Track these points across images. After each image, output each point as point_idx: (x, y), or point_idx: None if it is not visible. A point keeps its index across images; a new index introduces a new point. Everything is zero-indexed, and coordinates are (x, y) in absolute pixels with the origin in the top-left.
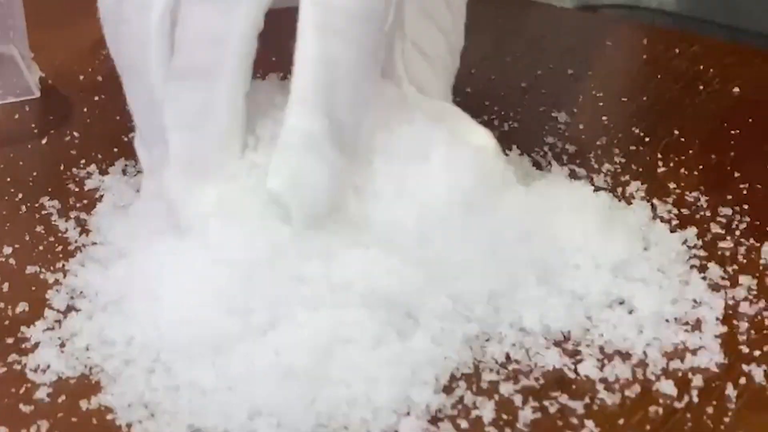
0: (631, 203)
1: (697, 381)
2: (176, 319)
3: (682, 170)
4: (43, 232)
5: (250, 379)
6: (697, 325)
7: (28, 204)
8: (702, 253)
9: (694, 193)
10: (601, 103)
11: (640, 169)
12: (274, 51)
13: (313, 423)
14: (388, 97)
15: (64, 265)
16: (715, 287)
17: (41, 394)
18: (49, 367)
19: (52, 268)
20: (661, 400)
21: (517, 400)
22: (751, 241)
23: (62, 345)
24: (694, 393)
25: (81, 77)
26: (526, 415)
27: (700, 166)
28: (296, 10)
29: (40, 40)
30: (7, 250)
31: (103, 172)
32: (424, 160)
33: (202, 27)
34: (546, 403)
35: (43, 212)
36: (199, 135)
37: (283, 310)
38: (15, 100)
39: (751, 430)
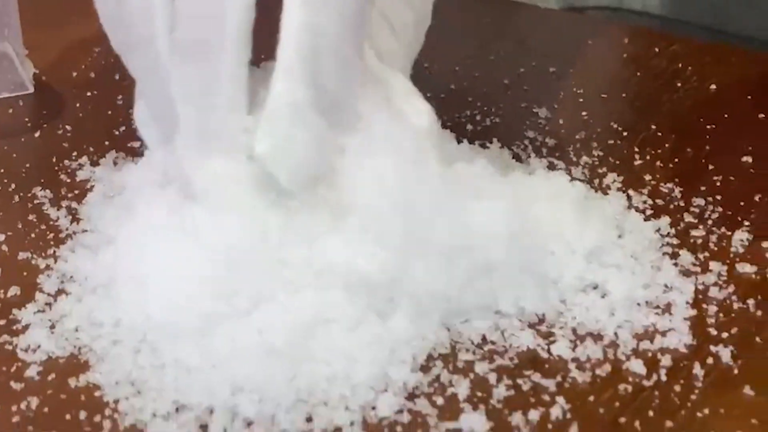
0: (607, 194)
1: (666, 361)
2: (162, 302)
3: (658, 163)
4: (35, 220)
5: (234, 358)
6: (667, 309)
7: (21, 194)
8: (674, 241)
9: (669, 185)
10: (581, 100)
11: (617, 162)
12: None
13: (293, 398)
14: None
15: (55, 252)
16: (686, 273)
17: (31, 372)
18: (39, 347)
19: (43, 254)
20: (630, 379)
21: (492, 378)
22: (723, 229)
23: (52, 326)
24: (663, 372)
25: (74, 74)
26: (500, 392)
27: (676, 159)
28: None
29: (34, 38)
30: (0, 237)
31: (95, 164)
32: (371, 138)
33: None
34: (519, 381)
35: (36, 202)
36: (206, 106)
37: (265, 293)
38: (9, 95)
39: (717, 407)
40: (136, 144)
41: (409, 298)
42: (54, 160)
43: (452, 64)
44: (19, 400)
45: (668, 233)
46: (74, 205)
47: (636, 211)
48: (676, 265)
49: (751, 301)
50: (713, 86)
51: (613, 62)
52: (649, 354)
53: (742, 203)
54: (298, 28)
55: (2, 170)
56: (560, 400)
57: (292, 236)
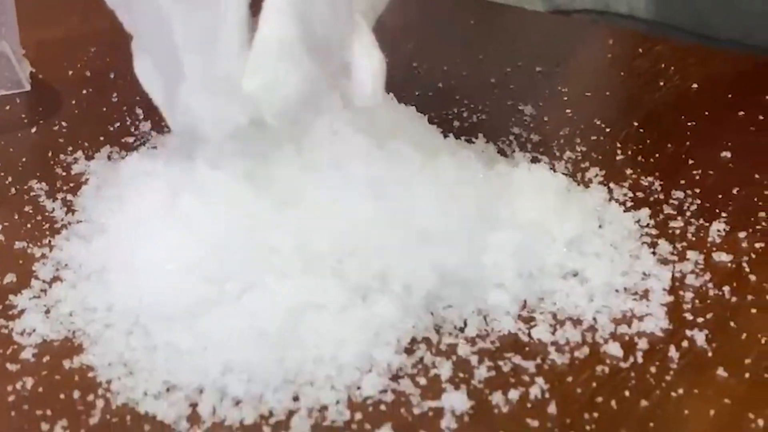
0: (589, 187)
1: (642, 344)
2: (154, 287)
3: (640, 158)
4: (31, 211)
5: (224, 340)
6: (644, 295)
7: (17, 186)
8: (654, 231)
9: (650, 178)
10: (566, 98)
11: (600, 157)
12: None
13: (281, 379)
14: None
15: (50, 241)
16: (664, 261)
17: (27, 354)
18: (34, 330)
19: (39, 243)
20: (607, 361)
21: (474, 360)
22: (701, 221)
23: (47, 311)
24: (639, 354)
25: (70, 72)
26: (481, 373)
27: (657, 154)
28: None
29: (31, 37)
30: None
31: (89, 158)
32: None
33: None
34: (500, 363)
35: (32, 194)
36: (210, 52)
37: (255, 278)
38: (6, 93)
39: (691, 388)
40: (130, 139)
41: (395, 284)
42: (50, 154)
43: (441, 64)
44: (14, 381)
45: (648, 224)
46: (69, 197)
47: (617, 203)
48: (654, 254)
49: (726, 288)
50: (695, 85)
51: (597, 62)
52: (626, 337)
53: (720, 196)
54: None
55: (0, 164)
56: (539, 380)
57: (280, 223)
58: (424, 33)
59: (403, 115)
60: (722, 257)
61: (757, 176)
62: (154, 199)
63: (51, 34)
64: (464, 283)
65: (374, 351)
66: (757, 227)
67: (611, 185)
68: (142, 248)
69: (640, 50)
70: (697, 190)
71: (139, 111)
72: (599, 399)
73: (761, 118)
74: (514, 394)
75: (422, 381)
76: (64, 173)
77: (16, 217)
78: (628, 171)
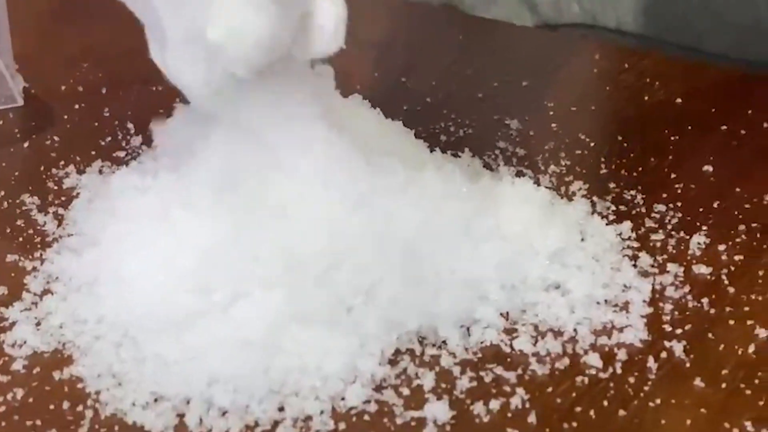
0: (572, 200)
1: (622, 355)
2: (143, 299)
3: (623, 171)
4: (23, 225)
5: (210, 351)
6: (625, 307)
7: (10, 200)
8: (635, 244)
9: (632, 192)
10: (551, 112)
11: (584, 171)
12: None
13: (266, 389)
14: None
15: (41, 254)
16: (644, 274)
17: (17, 366)
18: (25, 342)
19: (30, 256)
20: (587, 371)
21: (456, 371)
22: (682, 233)
23: (38, 323)
24: (618, 365)
25: (62, 87)
26: (463, 384)
27: (640, 168)
28: None
29: (25, 53)
30: None
31: (81, 172)
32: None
33: None
34: (482, 373)
35: (24, 208)
36: (186, 9)
37: (241, 289)
38: (0, 107)
39: (668, 398)
40: (121, 154)
41: (380, 295)
42: (42, 168)
43: (429, 79)
44: (5, 392)
45: (629, 237)
46: (60, 210)
47: (599, 216)
48: (635, 266)
49: (705, 300)
50: (679, 99)
51: (584, 77)
52: (606, 348)
53: (701, 209)
54: None
55: None
56: (520, 390)
57: (267, 236)
58: (413, 48)
59: (389, 130)
60: (702, 269)
61: (737, 190)
62: (144, 213)
63: (44, 50)
64: (448, 295)
65: (359, 362)
66: (737, 240)
67: (594, 199)
68: (131, 261)
69: (626, 65)
70: (679, 204)
71: (130, 126)
72: (578, 409)
73: (743, 132)
74: (495, 405)
75: (405, 391)
76: (55, 187)
77: (8, 230)
78: (612, 185)
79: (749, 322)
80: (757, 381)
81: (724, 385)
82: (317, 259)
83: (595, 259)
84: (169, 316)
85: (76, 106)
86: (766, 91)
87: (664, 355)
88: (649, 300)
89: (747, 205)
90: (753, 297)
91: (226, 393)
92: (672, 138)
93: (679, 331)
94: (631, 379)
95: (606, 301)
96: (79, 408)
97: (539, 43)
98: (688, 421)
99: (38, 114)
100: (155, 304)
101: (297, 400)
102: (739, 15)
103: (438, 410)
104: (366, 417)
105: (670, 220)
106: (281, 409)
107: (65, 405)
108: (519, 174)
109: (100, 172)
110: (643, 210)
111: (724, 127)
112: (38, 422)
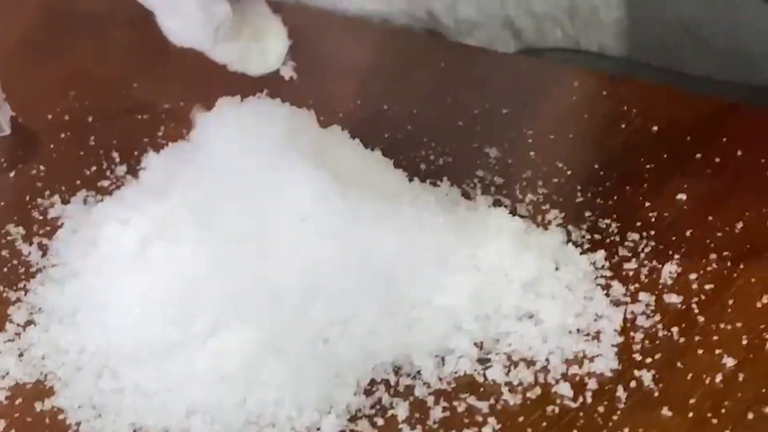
0: (548, 228)
1: (592, 384)
2: (123, 330)
3: (598, 200)
4: (7, 255)
5: (188, 382)
6: (596, 336)
7: None
8: (608, 273)
9: (607, 220)
10: (530, 140)
11: (560, 199)
12: None
13: (243, 420)
14: None
15: (25, 285)
16: (616, 303)
17: (0, 397)
18: (8, 373)
19: (14, 287)
20: (558, 401)
21: (430, 401)
22: (654, 262)
23: (20, 354)
24: (589, 395)
25: (49, 116)
26: (436, 414)
27: (615, 197)
28: None
29: (11, 82)
30: None
31: (66, 202)
32: None
33: None
34: (455, 403)
35: (9, 238)
36: None
37: (220, 321)
38: None
39: (636, 427)
40: (106, 183)
41: (356, 327)
42: (27, 198)
43: (410, 107)
44: None
45: (603, 266)
46: (45, 241)
47: (574, 245)
48: (607, 295)
49: (675, 329)
50: (655, 127)
51: (563, 104)
52: (577, 378)
53: (673, 237)
54: None
55: None
56: (491, 420)
57: (245, 268)
58: (394, 76)
59: (368, 161)
60: (672, 298)
61: (710, 218)
62: (125, 244)
63: (31, 79)
64: (422, 326)
65: (334, 392)
66: (708, 269)
67: (570, 227)
68: (111, 292)
69: (604, 92)
70: (652, 232)
71: (115, 155)
72: None
73: (717, 160)
74: None
75: (380, 422)
76: (40, 217)
77: None
78: (587, 213)
79: (717, 351)
80: (723, 410)
81: (691, 415)
82: (294, 291)
83: (569, 288)
84: (148, 347)
85: (62, 135)
86: (741, 120)
87: (633, 384)
88: (620, 329)
89: (719, 234)
90: (722, 326)
91: (204, 424)
92: (647, 166)
93: (648, 360)
94: (601, 409)
95: (578, 330)
96: None
97: (520, 70)
98: None
99: (25, 143)
100: (135, 335)
101: (274, 431)
102: (720, 38)
103: None
104: None
105: (643, 249)
106: None
107: None
108: (496, 203)
109: (85, 201)
110: (617, 239)
111: (699, 156)
112: None
